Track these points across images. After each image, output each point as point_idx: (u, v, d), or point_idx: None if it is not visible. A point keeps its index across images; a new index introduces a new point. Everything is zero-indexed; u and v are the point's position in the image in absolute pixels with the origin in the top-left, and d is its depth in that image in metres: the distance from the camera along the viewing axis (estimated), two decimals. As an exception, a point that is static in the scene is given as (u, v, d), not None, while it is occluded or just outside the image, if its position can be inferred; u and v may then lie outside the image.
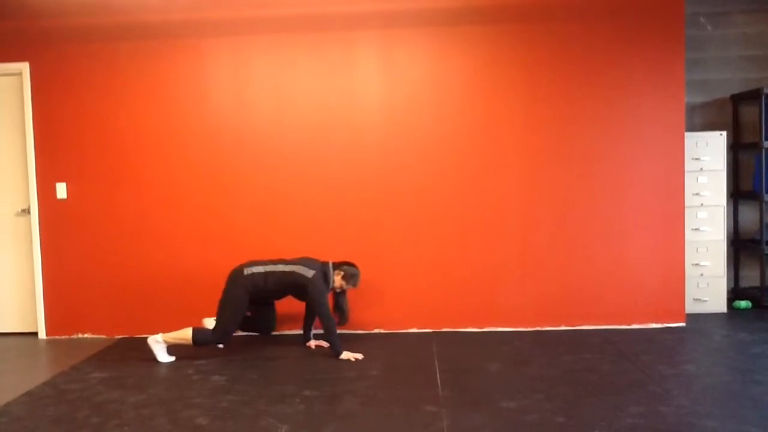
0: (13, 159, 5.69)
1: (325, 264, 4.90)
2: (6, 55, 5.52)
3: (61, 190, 5.55)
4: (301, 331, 5.17)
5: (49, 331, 5.64)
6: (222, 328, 4.77)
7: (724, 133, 5.76)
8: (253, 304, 4.92)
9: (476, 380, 4.22)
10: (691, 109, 6.03)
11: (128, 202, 5.52)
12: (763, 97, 5.68)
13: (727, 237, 6.00)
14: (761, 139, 5.72)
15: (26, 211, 5.68)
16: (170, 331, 4.86)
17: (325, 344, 4.95)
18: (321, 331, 4.84)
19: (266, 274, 4.82)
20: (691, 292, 5.69)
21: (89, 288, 5.57)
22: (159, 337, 4.80)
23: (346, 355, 4.70)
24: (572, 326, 5.40)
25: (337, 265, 4.94)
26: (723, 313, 5.72)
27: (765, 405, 3.65)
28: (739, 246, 6.10)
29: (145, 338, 5.44)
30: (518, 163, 5.36)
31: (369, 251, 5.36)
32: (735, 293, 6.11)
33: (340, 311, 4.99)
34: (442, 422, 3.52)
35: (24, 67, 5.51)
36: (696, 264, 5.75)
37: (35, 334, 5.70)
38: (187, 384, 4.29)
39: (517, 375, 4.29)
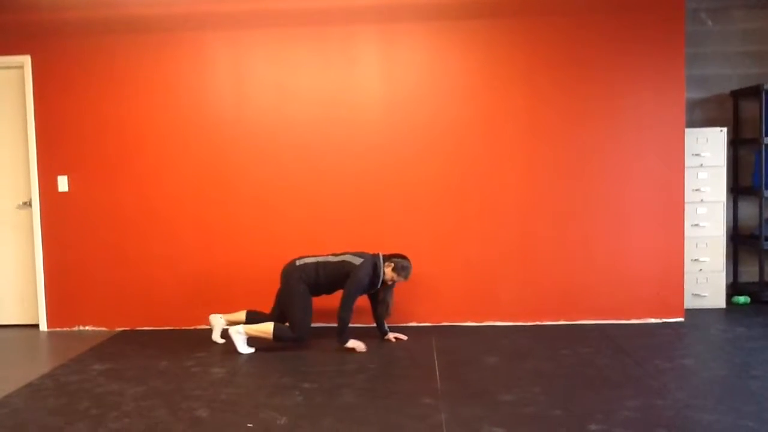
0: (14, 152, 5.70)
1: (375, 256, 4.87)
2: (7, 48, 5.53)
3: (63, 183, 5.56)
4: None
5: (49, 323, 5.66)
6: (299, 324, 4.76)
7: (724, 129, 5.76)
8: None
9: (475, 374, 4.23)
10: (692, 105, 6.03)
11: (129, 195, 5.54)
12: (763, 93, 5.68)
13: (727, 232, 6.01)
14: (761, 135, 5.73)
15: (27, 204, 5.70)
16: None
17: (403, 337, 4.99)
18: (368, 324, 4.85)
19: (317, 265, 4.82)
20: (690, 287, 5.70)
21: (90, 281, 5.59)
22: (240, 328, 4.80)
23: (351, 343, 4.70)
24: (571, 321, 5.41)
25: (388, 258, 4.91)
26: (722, 309, 5.74)
27: (762, 399, 3.67)
28: (739, 241, 6.11)
29: (145, 331, 5.49)
30: (517, 157, 5.37)
31: (368, 245, 5.36)
32: (734, 289, 6.12)
33: (385, 304, 4.96)
34: (440, 415, 3.54)
35: (25, 60, 5.52)
36: (695, 259, 5.76)
37: (36, 326, 5.72)
38: (186, 376, 4.31)
39: (516, 369, 4.31)
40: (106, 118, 5.51)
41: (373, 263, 4.82)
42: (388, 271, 4.87)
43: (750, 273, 6.19)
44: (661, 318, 5.39)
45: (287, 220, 5.47)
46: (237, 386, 4.09)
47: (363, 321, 5.16)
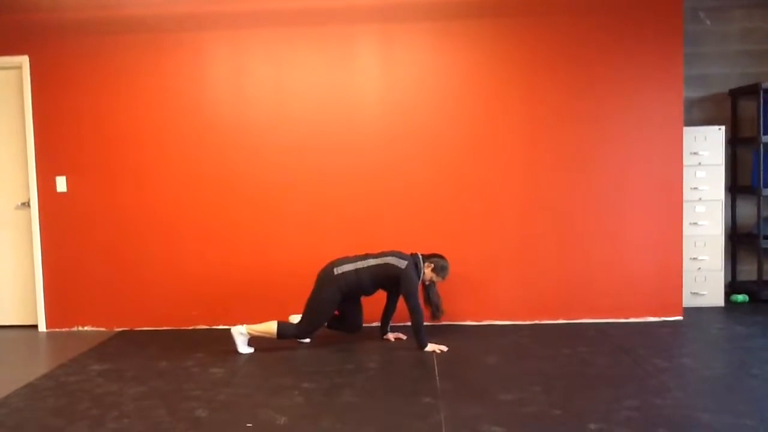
0: (12, 152, 5.70)
1: (415, 256, 4.86)
2: (6, 48, 5.52)
3: (61, 184, 5.56)
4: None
5: (48, 323, 5.66)
6: (308, 325, 4.77)
7: (723, 127, 5.77)
8: (342, 302, 4.85)
9: (474, 373, 4.24)
10: (690, 104, 6.04)
11: (128, 195, 5.53)
12: (761, 92, 5.68)
13: (725, 231, 6.02)
14: (759, 133, 5.73)
15: (26, 205, 5.69)
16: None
17: (403, 336, 5.00)
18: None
19: (357, 270, 4.78)
20: (688, 285, 5.71)
21: (89, 281, 5.59)
22: (243, 328, 4.79)
23: (431, 347, 4.70)
24: (570, 320, 5.42)
25: (427, 257, 4.90)
26: (720, 307, 5.75)
27: (760, 398, 3.67)
28: (737, 240, 6.12)
29: (145, 331, 5.48)
30: (516, 156, 5.37)
31: (367, 245, 5.36)
32: (732, 287, 6.12)
33: (433, 304, 4.95)
34: (439, 414, 3.54)
35: (24, 60, 5.51)
36: (694, 258, 5.77)
37: (35, 326, 5.71)
38: (186, 376, 4.31)
39: (515, 368, 4.31)
40: (105, 118, 5.51)
41: (415, 264, 4.80)
42: (427, 272, 4.88)
43: (748, 271, 6.19)
44: (660, 317, 5.39)
45: (286, 220, 5.47)
46: (236, 386, 4.09)
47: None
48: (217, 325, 5.53)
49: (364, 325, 5.08)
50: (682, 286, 5.42)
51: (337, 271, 4.77)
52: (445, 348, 4.71)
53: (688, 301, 5.68)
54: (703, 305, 5.77)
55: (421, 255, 4.89)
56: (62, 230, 5.58)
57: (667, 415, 3.45)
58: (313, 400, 3.81)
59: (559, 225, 5.39)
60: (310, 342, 5.02)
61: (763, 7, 6.02)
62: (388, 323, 5.08)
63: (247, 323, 5.46)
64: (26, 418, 3.68)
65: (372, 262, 4.82)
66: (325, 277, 4.79)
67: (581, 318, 5.42)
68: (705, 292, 5.78)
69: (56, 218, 5.58)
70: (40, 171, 5.57)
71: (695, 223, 5.77)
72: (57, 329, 5.65)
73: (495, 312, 5.44)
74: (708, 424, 3.33)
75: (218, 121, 5.46)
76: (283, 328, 4.77)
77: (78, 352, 4.97)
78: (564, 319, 5.43)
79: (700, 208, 5.78)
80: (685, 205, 5.56)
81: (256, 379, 4.21)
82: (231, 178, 5.48)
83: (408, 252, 4.91)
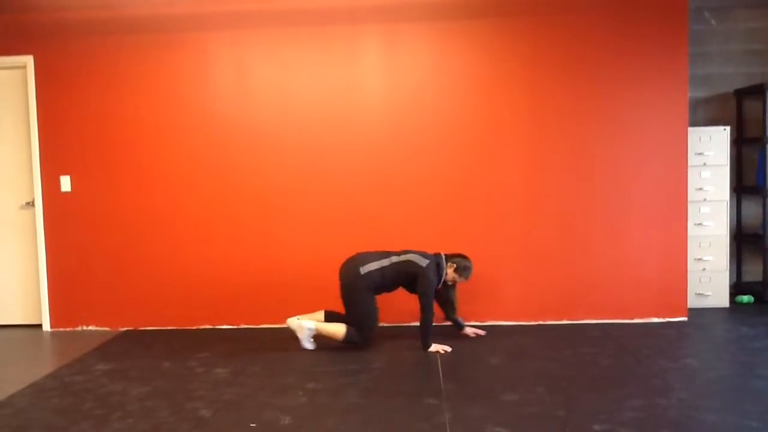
0: (17, 152, 5.71)
1: (437, 255, 4.84)
2: (10, 48, 5.53)
3: (65, 183, 5.56)
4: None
5: (53, 323, 5.67)
6: (367, 330, 4.76)
7: (728, 127, 5.75)
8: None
9: (478, 373, 4.23)
10: (695, 104, 6.02)
11: (132, 195, 5.54)
12: (766, 92, 5.67)
13: (730, 232, 6.00)
14: (764, 133, 5.72)
15: (30, 204, 5.70)
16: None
17: (482, 332, 5.02)
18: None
19: (382, 269, 4.78)
20: (693, 286, 5.70)
21: (93, 280, 5.60)
22: (312, 324, 4.79)
23: (435, 347, 4.70)
24: (574, 320, 5.41)
25: (450, 257, 4.89)
26: (725, 308, 5.73)
27: (766, 399, 3.66)
28: (742, 241, 6.10)
29: (149, 330, 5.49)
30: (521, 156, 5.37)
31: (371, 244, 5.36)
32: (737, 288, 6.11)
33: (450, 304, 4.96)
34: (443, 415, 3.54)
35: (28, 60, 5.52)
36: (698, 259, 5.75)
37: (39, 326, 5.72)
38: (190, 376, 4.31)
39: (519, 368, 4.31)
40: (109, 118, 5.51)
41: (437, 263, 4.79)
42: (450, 272, 4.86)
43: (753, 272, 6.17)
44: (664, 317, 5.38)
45: (290, 219, 5.47)
46: (240, 386, 4.09)
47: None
48: (221, 325, 5.53)
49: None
50: (686, 287, 5.40)
51: (363, 270, 4.75)
52: (448, 348, 4.71)
53: (692, 302, 5.67)
54: (708, 306, 5.75)
55: (444, 255, 4.87)
56: (66, 230, 5.59)
57: (671, 416, 3.44)
58: (317, 401, 3.81)
59: (563, 225, 5.38)
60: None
61: (767, 6, 6.01)
62: (456, 318, 5.06)
63: (251, 323, 5.49)
64: (30, 418, 3.68)
65: (395, 259, 4.82)
66: (352, 278, 4.76)
67: (585, 319, 5.41)
68: (710, 293, 5.77)
69: (60, 218, 5.59)
70: (45, 171, 5.58)
71: (700, 224, 5.75)
72: (61, 329, 5.66)
73: (499, 312, 5.43)
74: (713, 425, 3.32)
75: (222, 120, 5.46)
76: (350, 333, 4.75)
77: (82, 351, 4.98)
78: (568, 320, 5.42)
79: (705, 209, 5.76)
80: (690, 205, 5.55)
81: (261, 379, 4.21)
82: (234, 178, 5.48)
83: (431, 251, 4.88)
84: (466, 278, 4.92)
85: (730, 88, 6.05)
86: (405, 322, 5.37)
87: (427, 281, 4.70)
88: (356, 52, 5.38)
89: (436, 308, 4.85)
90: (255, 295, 5.49)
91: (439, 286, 4.85)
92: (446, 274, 4.84)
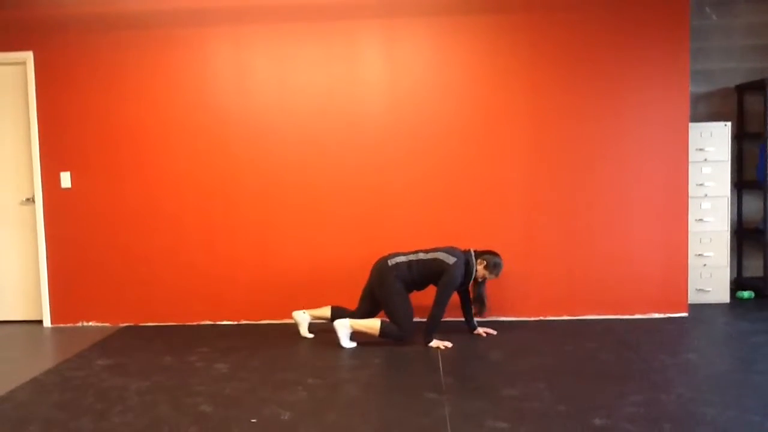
0: (17, 148, 5.71)
1: (467, 252, 4.83)
2: (10, 44, 5.53)
3: (66, 179, 5.56)
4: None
5: (53, 319, 5.67)
6: (403, 322, 4.72)
7: (729, 123, 5.74)
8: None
9: (478, 368, 4.23)
10: (696, 99, 6.02)
11: (132, 190, 5.54)
12: (767, 88, 5.66)
13: (731, 227, 6.00)
14: (765, 129, 5.71)
15: (31, 200, 5.70)
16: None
17: (493, 331, 4.99)
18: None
19: (409, 263, 4.78)
20: (694, 282, 5.69)
21: (93, 276, 5.60)
22: (347, 322, 4.76)
23: (435, 343, 4.70)
24: (575, 316, 5.41)
25: (480, 254, 4.86)
26: (726, 303, 5.73)
27: (766, 394, 3.66)
28: (743, 236, 6.09)
29: (149, 326, 5.49)
30: (521, 152, 5.36)
31: (371, 239, 5.37)
32: (738, 283, 6.11)
33: (480, 301, 4.93)
34: (443, 410, 3.54)
35: (28, 56, 5.52)
36: (699, 254, 5.74)
37: (40, 322, 5.73)
38: (190, 371, 4.31)
39: (519, 363, 4.31)
40: (109, 114, 5.51)
41: (466, 260, 4.77)
42: (480, 269, 4.84)
43: (754, 268, 6.17)
44: (665, 313, 5.38)
45: (290, 215, 5.46)
46: (240, 381, 4.09)
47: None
48: (221, 321, 5.54)
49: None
50: (687, 283, 5.40)
51: (391, 262, 4.77)
52: (449, 344, 4.70)
53: (693, 297, 5.67)
54: (709, 302, 5.75)
55: (474, 251, 4.86)
56: (67, 226, 5.59)
57: (671, 411, 3.44)
58: (317, 396, 3.81)
59: (563, 221, 5.38)
60: (314, 337, 5.02)
61: (769, 2, 6.00)
62: (471, 318, 5.05)
63: (251, 319, 5.50)
64: (31, 413, 3.69)
65: (423, 256, 4.81)
66: (382, 271, 4.77)
67: (586, 314, 5.41)
68: (710, 289, 5.77)
69: (61, 214, 5.59)
70: (45, 167, 5.58)
71: (701, 219, 5.75)
72: (62, 324, 5.67)
73: (500, 308, 5.43)
74: (713, 420, 3.32)
75: (222, 116, 5.46)
76: (386, 327, 4.73)
77: (83, 347, 4.98)
78: (568, 315, 5.42)
79: (705, 204, 5.76)
80: (690, 201, 5.55)
81: (261, 374, 4.22)
82: (235, 174, 5.48)
83: (462, 248, 4.88)
84: (497, 275, 4.89)
85: (731, 84, 6.04)
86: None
87: (450, 277, 4.68)
88: (356, 47, 5.37)
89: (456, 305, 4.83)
90: (255, 290, 5.49)
91: (470, 283, 4.85)
92: (476, 271, 4.82)
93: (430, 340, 4.71)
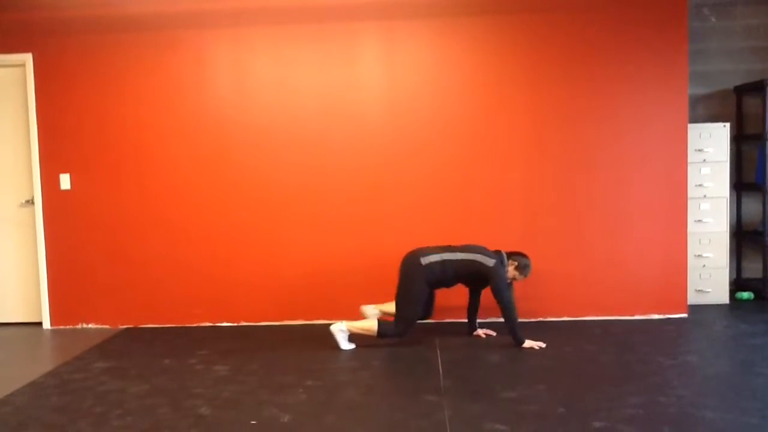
0: (16, 150, 5.70)
1: (499, 253, 4.81)
2: (9, 46, 5.53)
3: (65, 181, 5.56)
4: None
5: (53, 321, 5.67)
6: (405, 320, 4.70)
7: (728, 124, 5.74)
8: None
9: (477, 371, 4.23)
10: (694, 101, 6.02)
11: (131, 192, 5.54)
12: (766, 89, 5.66)
13: (730, 228, 6.00)
14: (764, 130, 5.71)
15: (30, 202, 5.70)
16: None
17: (492, 333, 4.98)
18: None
19: (443, 262, 4.72)
20: (693, 283, 5.69)
21: (93, 278, 5.60)
22: (343, 325, 4.76)
23: (528, 343, 4.67)
24: (574, 317, 5.41)
25: (510, 255, 4.86)
26: (725, 305, 5.72)
27: (765, 396, 3.65)
28: (742, 237, 6.10)
29: (148, 328, 5.49)
30: (520, 153, 5.36)
31: (369, 240, 5.37)
32: (737, 285, 6.11)
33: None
34: (443, 412, 3.54)
35: (27, 58, 5.52)
36: (698, 255, 5.74)
37: (39, 324, 5.73)
38: (189, 374, 4.31)
39: (518, 365, 4.31)
40: (108, 116, 5.51)
41: (500, 261, 4.76)
42: (510, 270, 4.83)
43: (753, 269, 6.17)
44: (664, 314, 5.38)
45: (290, 217, 5.46)
46: (240, 384, 4.09)
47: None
48: (220, 323, 5.54)
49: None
50: (686, 284, 5.40)
51: (424, 261, 4.70)
52: (543, 344, 4.67)
53: (692, 298, 5.67)
54: (708, 303, 5.75)
55: (505, 253, 4.84)
56: (66, 228, 5.59)
57: (671, 413, 3.44)
58: (316, 398, 3.81)
59: (563, 222, 5.38)
60: (314, 338, 5.01)
61: (767, 3, 6.00)
62: (475, 319, 5.05)
63: (250, 321, 5.50)
64: (29, 416, 3.68)
65: (459, 256, 4.76)
66: (412, 267, 4.71)
67: (585, 315, 5.41)
68: (710, 290, 5.76)
69: (60, 216, 5.59)
70: (44, 168, 5.58)
71: (700, 221, 5.75)
72: (61, 327, 5.67)
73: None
74: (712, 422, 3.32)
75: (221, 118, 5.46)
76: (384, 326, 4.72)
77: (82, 349, 4.98)
78: (568, 317, 5.42)
79: (704, 206, 5.76)
80: (689, 202, 5.55)
81: (260, 377, 4.21)
82: (234, 176, 5.48)
83: (492, 248, 4.85)
84: (526, 276, 4.88)
85: (729, 85, 6.05)
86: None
87: (502, 281, 4.67)
88: (355, 49, 5.37)
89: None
90: (255, 292, 5.49)
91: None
92: (507, 272, 4.81)
93: (523, 341, 4.67)
